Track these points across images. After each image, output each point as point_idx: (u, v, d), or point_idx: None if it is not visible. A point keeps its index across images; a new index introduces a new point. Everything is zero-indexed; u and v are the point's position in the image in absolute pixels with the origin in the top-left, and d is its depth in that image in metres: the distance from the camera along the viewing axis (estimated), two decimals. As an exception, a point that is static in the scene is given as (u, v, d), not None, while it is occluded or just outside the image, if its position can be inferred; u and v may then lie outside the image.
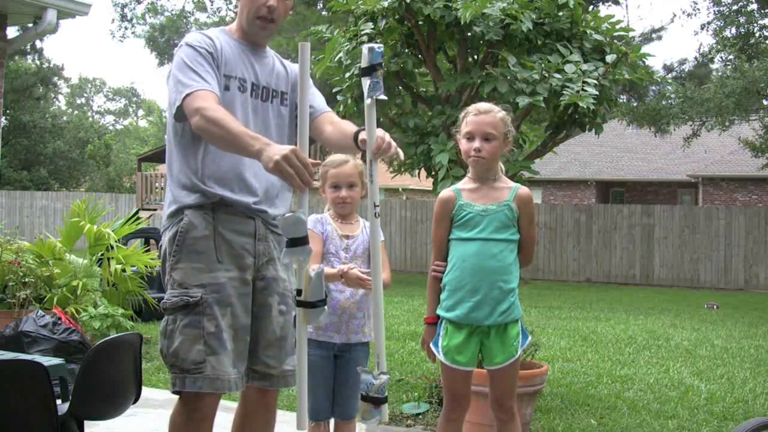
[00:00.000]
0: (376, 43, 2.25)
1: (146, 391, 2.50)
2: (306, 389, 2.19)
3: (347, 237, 3.36)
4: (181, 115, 2.46)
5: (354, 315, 3.34)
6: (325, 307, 2.15)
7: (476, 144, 3.13)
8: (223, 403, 2.67)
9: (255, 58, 2.67)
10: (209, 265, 2.50)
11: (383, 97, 2.24)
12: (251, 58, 2.66)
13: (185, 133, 2.57)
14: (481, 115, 3.16)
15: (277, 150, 2.14)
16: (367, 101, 2.20)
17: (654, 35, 25.44)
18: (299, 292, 2.13)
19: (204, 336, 2.42)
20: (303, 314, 2.12)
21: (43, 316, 5.14)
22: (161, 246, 2.66)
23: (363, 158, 2.43)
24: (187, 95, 2.40)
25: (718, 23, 18.52)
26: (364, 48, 2.21)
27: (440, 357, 3.20)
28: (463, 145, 3.20)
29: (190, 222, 2.57)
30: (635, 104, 18.67)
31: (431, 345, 3.28)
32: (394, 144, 2.35)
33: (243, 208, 2.57)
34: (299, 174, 2.09)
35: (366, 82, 2.19)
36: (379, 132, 2.30)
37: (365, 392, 2.24)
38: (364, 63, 2.20)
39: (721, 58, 19.42)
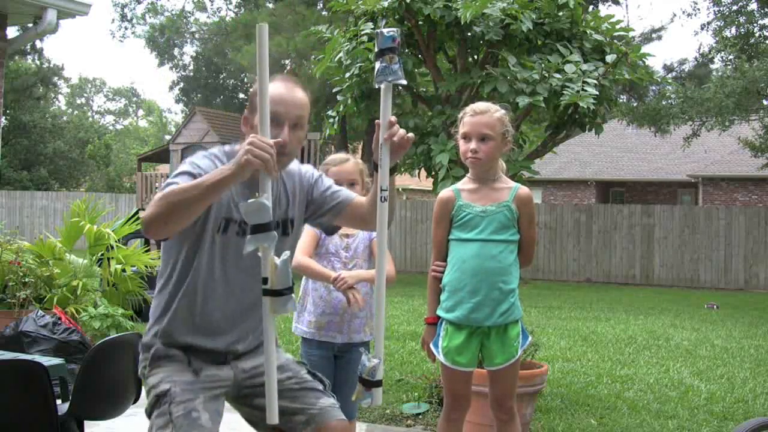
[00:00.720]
0: (394, 30, 2.20)
1: (146, 391, 2.49)
2: (275, 384, 2.17)
3: (347, 236, 3.36)
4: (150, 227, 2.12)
5: (356, 314, 3.34)
6: (292, 294, 2.11)
7: (472, 145, 3.13)
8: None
9: (254, 190, 2.33)
10: (182, 367, 2.37)
11: (402, 81, 2.16)
12: (250, 192, 2.31)
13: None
14: (477, 115, 3.15)
15: (239, 154, 2.03)
16: (376, 86, 2.19)
17: (654, 35, 25.48)
18: (265, 280, 2.10)
19: (172, 420, 2.24)
20: (270, 303, 2.10)
21: (43, 316, 5.14)
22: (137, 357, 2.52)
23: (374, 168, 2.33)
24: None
25: (718, 23, 18.52)
26: (377, 32, 2.20)
27: (440, 358, 3.20)
28: (461, 145, 3.20)
29: (161, 348, 2.41)
30: (635, 104, 18.67)
31: (431, 345, 3.28)
32: (402, 132, 2.21)
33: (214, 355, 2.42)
34: (263, 157, 2.01)
35: (376, 66, 2.18)
36: (393, 119, 2.23)
37: (359, 373, 2.24)
38: (376, 47, 2.19)
39: (721, 58, 19.43)
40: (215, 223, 2.31)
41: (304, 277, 3.39)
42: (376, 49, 2.20)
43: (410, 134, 2.24)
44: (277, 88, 2.31)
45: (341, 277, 3.20)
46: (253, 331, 2.44)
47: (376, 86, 2.20)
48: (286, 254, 2.09)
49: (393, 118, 2.19)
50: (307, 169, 2.55)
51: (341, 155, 3.35)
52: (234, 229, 2.33)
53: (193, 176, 2.19)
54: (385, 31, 2.15)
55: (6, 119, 27.74)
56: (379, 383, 2.25)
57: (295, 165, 2.50)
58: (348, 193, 2.52)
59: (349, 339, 3.34)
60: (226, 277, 2.36)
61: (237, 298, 2.39)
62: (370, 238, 3.41)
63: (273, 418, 2.16)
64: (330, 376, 3.33)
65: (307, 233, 3.30)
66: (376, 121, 2.23)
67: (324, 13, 20.66)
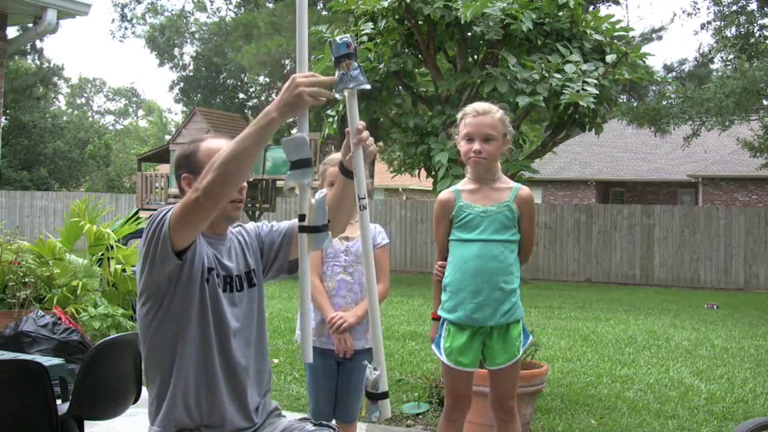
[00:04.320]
0: (346, 36, 2.19)
1: (146, 392, 2.49)
2: (310, 320, 2.18)
3: (347, 239, 3.35)
4: (176, 228, 2.13)
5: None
6: (328, 231, 2.11)
7: (476, 146, 3.12)
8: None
9: (218, 248, 2.38)
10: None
11: (365, 86, 2.15)
12: (216, 249, 2.37)
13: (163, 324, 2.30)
14: (479, 116, 3.15)
15: (284, 93, 2.00)
16: (337, 95, 2.19)
17: (654, 35, 25.51)
18: (302, 217, 2.09)
19: None
20: (307, 240, 2.10)
21: (43, 316, 5.14)
22: None
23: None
24: (172, 212, 2.14)
25: (718, 23, 18.52)
26: (330, 41, 2.21)
27: (443, 358, 3.20)
28: (463, 146, 3.19)
29: None
30: (635, 104, 18.67)
31: (433, 346, 3.28)
32: (371, 140, 2.24)
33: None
34: (320, 88, 2.02)
35: (336, 76, 2.19)
36: (361, 124, 2.23)
37: (364, 387, 2.23)
38: (332, 56, 2.20)
39: (721, 58, 19.44)
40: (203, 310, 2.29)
41: None
42: (332, 58, 2.19)
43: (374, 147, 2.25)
44: (218, 143, 2.32)
45: (339, 317, 3.24)
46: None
47: (338, 96, 2.20)
48: (322, 192, 2.11)
49: (362, 124, 2.20)
50: (247, 225, 2.56)
51: (340, 155, 3.34)
52: (217, 281, 2.33)
53: None
54: (337, 39, 2.15)
55: (6, 119, 27.74)
56: (384, 395, 2.22)
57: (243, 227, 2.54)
58: (290, 221, 2.51)
59: (352, 344, 3.34)
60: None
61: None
62: (372, 243, 3.40)
63: (308, 356, 2.20)
64: (332, 382, 3.34)
65: None
66: (346, 129, 2.24)
67: (324, 13, 20.65)
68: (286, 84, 2.02)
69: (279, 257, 2.49)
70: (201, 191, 2.04)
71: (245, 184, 2.35)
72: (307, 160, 2.03)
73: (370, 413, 2.23)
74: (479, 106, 3.20)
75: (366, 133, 2.20)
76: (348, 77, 2.13)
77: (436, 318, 3.31)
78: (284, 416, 2.54)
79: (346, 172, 2.29)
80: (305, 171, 2.03)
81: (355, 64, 2.14)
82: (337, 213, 2.36)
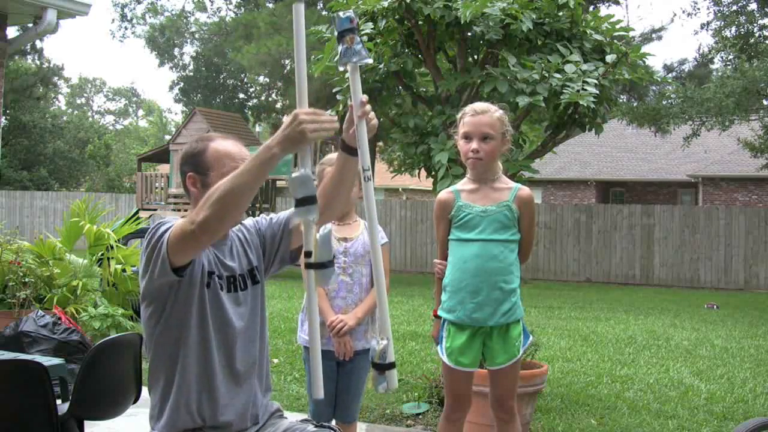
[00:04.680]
0: (349, 11, 2.21)
1: (146, 391, 2.49)
2: (319, 358, 2.16)
3: (345, 240, 3.34)
4: (174, 251, 2.14)
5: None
6: (335, 267, 2.12)
7: (474, 145, 3.12)
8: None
9: (220, 249, 2.39)
10: None
11: (367, 60, 2.16)
12: (218, 250, 2.38)
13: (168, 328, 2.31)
14: (478, 115, 3.15)
15: (286, 129, 1.99)
16: (340, 68, 2.21)
17: (654, 35, 25.51)
18: (308, 254, 2.09)
19: None
20: (314, 276, 2.09)
21: (43, 316, 5.14)
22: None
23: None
24: (170, 233, 2.13)
25: (718, 23, 18.52)
26: (333, 16, 2.22)
27: (443, 358, 3.20)
28: (461, 146, 3.20)
29: None
30: (635, 104, 18.67)
31: (437, 347, 3.28)
32: (373, 113, 2.23)
33: None
34: (322, 124, 2.01)
35: (339, 49, 2.20)
36: (364, 98, 2.24)
37: (371, 358, 2.22)
38: (335, 31, 2.21)
39: (721, 58, 19.44)
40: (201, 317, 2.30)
41: None
42: (335, 33, 2.22)
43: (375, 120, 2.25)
44: (226, 146, 2.35)
45: (339, 321, 3.23)
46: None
47: (341, 69, 2.22)
48: (327, 227, 2.09)
49: (365, 98, 2.20)
50: (246, 221, 2.57)
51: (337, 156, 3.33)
52: (218, 283, 2.33)
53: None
54: (340, 13, 2.16)
55: (6, 119, 27.74)
56: (392, 365, 2.20)
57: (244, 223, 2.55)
58: (289, 211, 2.49)
59: (352, 346, 3.34)
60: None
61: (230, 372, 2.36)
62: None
63: (318, 393, 2.16)
64: (332, 384, 3.34)
65: None
66: (349, 103, 2.24)
67: (324, 13, 20.66)
68: (288, 119, 2.00)
69: (281, 248, 2.49)
70: (197, 225, 2.05)
71: None
72: (312, 197, 2.02)
73: (377, 385, 2.21)
74: (478, 105, 3.20)
75: (369, 107, 2.20)
76: (351, 51, 2.15)
77: (438, 316, 3.32)
78: (286, 417, 2.54)
79: (348, 148, 2.28)
80: (310, 208, 2.02)
81: (358, 38, 2.15)
82: (335, 195, 2.35)
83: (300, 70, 2.09)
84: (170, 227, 2.16)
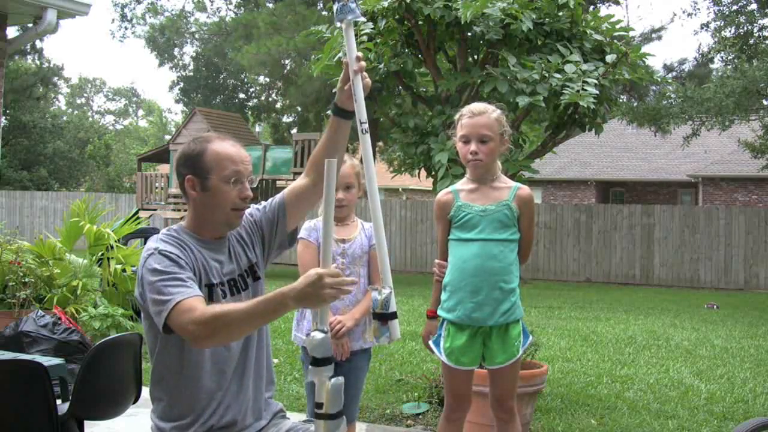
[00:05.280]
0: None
1: (146, 391, 2.49)
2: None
3: (343, 241, 3.34)
4: (170, 330, 2.16)
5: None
6: (344, 417, 2.11)
7: (472, 147, 3.12)
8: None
9: (217, 253, 2.38)
10: None
11: (361, 18, 2.26)
12: (215, 254, 2.37)
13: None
14: (475, 117, 3.15)
15: (307, 287, 1.95)
16: (337, 24, 2.27)
17: (654, 35, 25.48)
18: (319, 405, 2.09)
19: None
20: (323, 427, 2.09)
21: (43, 316, 5.14)
22: None
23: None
24: (172, 308, 2.12)
25: (718, 23, 18.52)
26: None
27: (443, 358, 3.19)
28: (460, 148, 3.19)
29: None
30: (635, 104, 18.67)
31: (432, 344, 3.28)
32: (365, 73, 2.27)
33: None
34: (341, 287, 1.98)
35: (334, 7, 2.23)
36: (359, 55, 2.23)
37: (373, 309, 2.22)
38: None
39: (721, 58, 19.44)
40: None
41: None
42: (335, 18, 2.27)
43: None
44: (226, 148, 2.33)
45: (337, 322, 3.23)
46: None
47: (338, 24, 2.27)
48: (339, 379, 2.09)
49: (360, 55, 2.23)
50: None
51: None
52: (218, 291, 2.34)
53: (178, 278, 2.16)
54: None
55: (6, 119, 27.74)
56: (394, 315, 2.20)
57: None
58: (280, 194, 2.51)
59: (349, 347, 3.34)
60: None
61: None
62: (369, 243, 3.40)
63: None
64: None
65: (307, 246, 3.29)
66: (343, 59, 2.27)
67: (324, 13, 20.66)
68: (311, 278, 1.96)
69: (279, 233, 2.49)
70: (195, 337, 2.08)
71: (249, 193, 2.35)
72: (329, 359, 2.04)
73: (378, 336, 2.20)
74: (475, 107, 3.20)
75: (363, 63, 2.23)
76: (347, 9, 2.20)
77: (431, 316, 3.32)
78: (288, 418, 2.55)
79: (341, 111, 2.30)
80: (327, 368, 2.04)
81: None
82: (329, 157, 2.33)
83: (327, 224, 2.04)
84: (175, 302, 2.11)
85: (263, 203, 2.53)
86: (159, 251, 2.22)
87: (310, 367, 2.04)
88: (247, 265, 2.43)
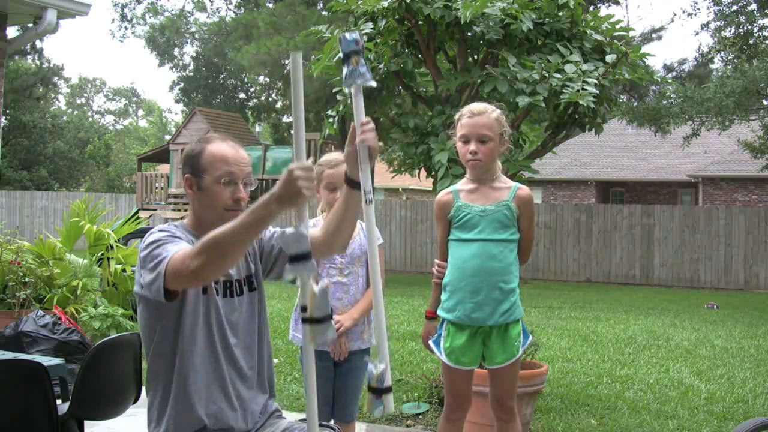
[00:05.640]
0: (354, 32, 2.21)
1: (145, 395, 2.49)
2: (316, 413, 2.15)
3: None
4: (171, 284, 2.14)
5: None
6: (332, 321, 2.07)
7: (472, 147, 3.12)
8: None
9: None
10: None
11: (371, 83, 2.16)
12: None
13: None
14: (475, 117, 3.14)
15: (282, 187, 1.95)
16: (345, 89, 2.21)
17: (654, 35, 25.51)
18: (304, 308, 2.07)
19: None
20: (309, 331, 2.06)
21: (43, 316, 5.14)
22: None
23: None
24: (168, 263, 2.12)
25: (718, 23, 18.52)
26: (339, 37, 2.21)
27: (443, 358, 3.20)
28: (460, 148, 3.19)
29: None
30: (635, 104, 18.67)
31: (432, 344, 3.28)
32: (374, 134, 2.21)
33: None
34: (311, 177, 1.96)
35: (344, 71, 2.18)
36: (366, 119, 2.18)
37: (368, 382, 2.22)
38: (341, 52, 2.21)
39: (721, 58, 19.44)
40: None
41: None
42: (341, 54, 2.20)
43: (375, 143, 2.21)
44: (222, 149, 2.33)
45: (336, 322, 3.22)
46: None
47: (346, 90, 2.21)
48: (324, 282, 2.06)
49: (367, 119, 2.19)
50: None
51: (336, 156, 3.26)
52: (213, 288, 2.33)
53: (173, 238, 2.23)
54: (347, 35, 2.14)
55: (6, 119, 27.74)
56: (389, 389, 2.20)
57: None
58: (288, 230, 2.49)
59: (347, 347, 3.34)
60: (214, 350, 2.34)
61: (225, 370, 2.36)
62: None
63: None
64: (329, 384, 3.33)
65: None
66: (352, 124, 2.22)
67: (324, 13, 20.66)
68: (283, 177, 1.96)
69: (277, 264, 2.49)
70: (192, 270, 2.05)
71: (243, 195, 2.35)
72: (306, 254, 1.99)
73: (373, 409, 2.21)
74: (475, 107, 3.20)
75: (371, 125, 2.19)
76: (357, 73, 2.14)
77: (430, 317, 3.32)
78: (284, 418, 2.55)
79: (352, 182, 2.26)
80: (304, 265, 2.00)
81: (362, 60, 2.15)
82: (338, 230, 2.34)
83: (298, 119, 2.04)
84: (168, 257, 2.13)
85: (277, 230, 2.50)
86: (158, 230, 2.30)
87: (287, 265, 2.01)
88: (245, 273, 2.43)
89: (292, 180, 1.93)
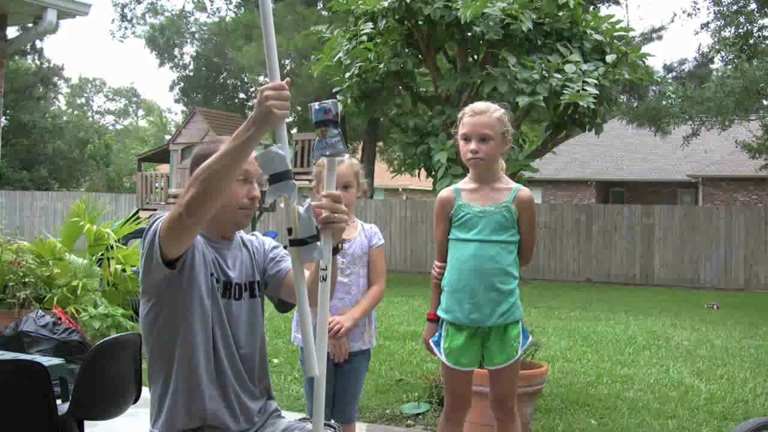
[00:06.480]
0: (327, 102, 2.09)
1: (146, 391, 2.49)
2: (311, 335, 2.11)
3: (343, 241, 3.33)
4: (166, 238, 2.13)
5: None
6: (318, 242, 2.03)
7: (473, 145, 3.12)
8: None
9: (222, 253, 2.40)
10: None
11: (343, 156, 2.06)
12: (220, 254, 2.39)
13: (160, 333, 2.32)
14: (476, 115, 3.14)
15: (259, 110, 1.94)
16: (313, 161, 2.12)
17: (654, 35, 25.48)
18: (289, 230, 2.03)
19: None
20: (296, 253, 2.03)
21: (43, 316, 5.14)
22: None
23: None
24: (163, 221, 2.14)
25: (718, 23, 18.51)
26: (309, 106, 2.12)
27: (442, 358, 3.20)
28: (461, 146, 3.19)
29: None
30: (635, 104, 18.67)
31: (432, 344, 3.28)
32: (342, 213, 2.11)
33: None
34: (286, 101, 1.95)
35: (315, 141, 2.09)
36: (336, 192, 2.11)
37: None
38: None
39: (721, 58, 19.42)
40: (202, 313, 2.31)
41: None
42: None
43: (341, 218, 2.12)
44: None
45: (336, 323, 3.23)
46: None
47: (314, 163, 2.12)
48: (308, 202, 2.05)
49: (336, 193, 2.11)
50: (266, 239, 2.58)
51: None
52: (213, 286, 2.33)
53: None
54: (316, 104, 2.05)
55: (6, 119, 27.74)
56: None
57: (257, 234, 2.57)
58: (286, 266, 2.47)
59: (348, 348, 3.34)
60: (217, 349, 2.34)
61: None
62: (369, 244, 3.39)
63: (312, 369, 2.11)
64: (329, 386, 3.33)
65: None
66: (323, 194, 2.12)
67: (324, 13, 20.66)
68: (258, 97, 1.97)
69: (270, 288, 2.51)
70: (183, 207, 2.04)
71: (257, 193, 2.36)
72: (285, 173, 1.96)
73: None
74: (477, 105, 3.19)
75: (338, 206, 2.10)
76: (323, 144, 2.05)
77: (432, 319, 3.31)
78: (284, 417, 2.55)
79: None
80: (284, 184, 1.96)
81: (334, 131, 2.04)
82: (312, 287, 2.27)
83: (269, 43, 2.01)
84: (163, 217, 2.17)
85: (285, 253, 2.50)
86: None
87: (267, 188, 1.97)
88: (248, 279, 2.44)
89: (263, 99, 1.93)
